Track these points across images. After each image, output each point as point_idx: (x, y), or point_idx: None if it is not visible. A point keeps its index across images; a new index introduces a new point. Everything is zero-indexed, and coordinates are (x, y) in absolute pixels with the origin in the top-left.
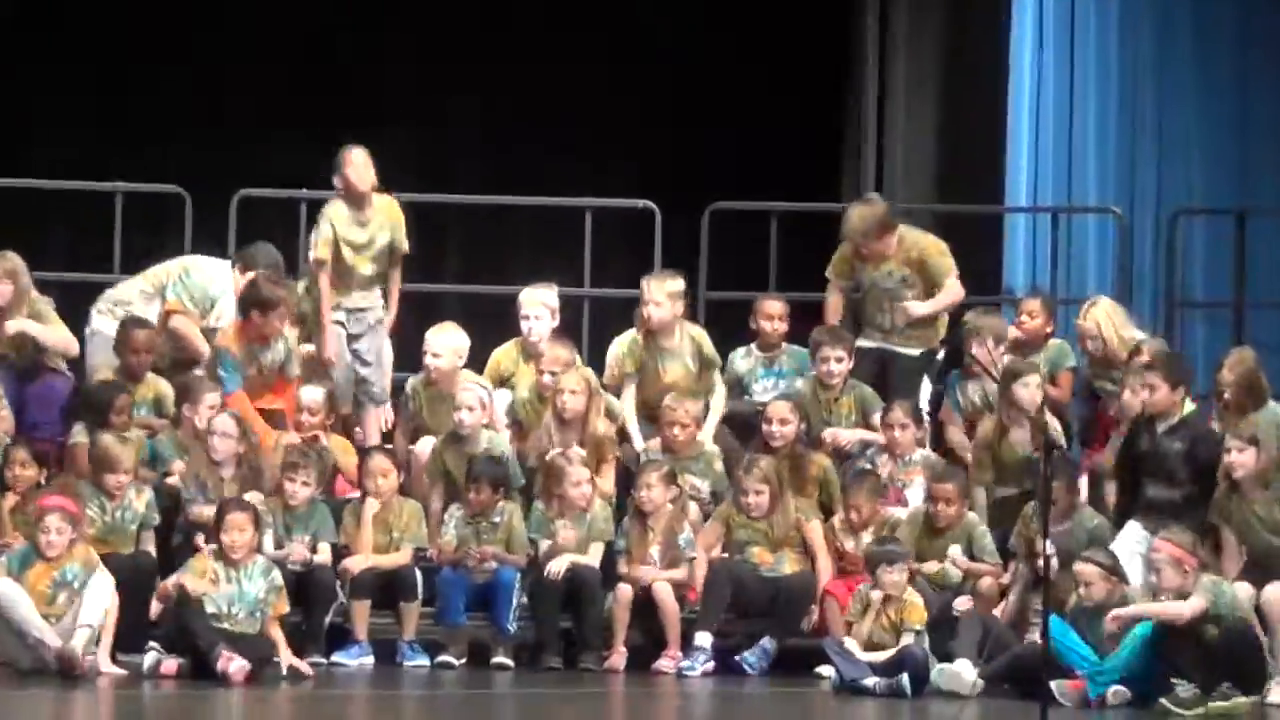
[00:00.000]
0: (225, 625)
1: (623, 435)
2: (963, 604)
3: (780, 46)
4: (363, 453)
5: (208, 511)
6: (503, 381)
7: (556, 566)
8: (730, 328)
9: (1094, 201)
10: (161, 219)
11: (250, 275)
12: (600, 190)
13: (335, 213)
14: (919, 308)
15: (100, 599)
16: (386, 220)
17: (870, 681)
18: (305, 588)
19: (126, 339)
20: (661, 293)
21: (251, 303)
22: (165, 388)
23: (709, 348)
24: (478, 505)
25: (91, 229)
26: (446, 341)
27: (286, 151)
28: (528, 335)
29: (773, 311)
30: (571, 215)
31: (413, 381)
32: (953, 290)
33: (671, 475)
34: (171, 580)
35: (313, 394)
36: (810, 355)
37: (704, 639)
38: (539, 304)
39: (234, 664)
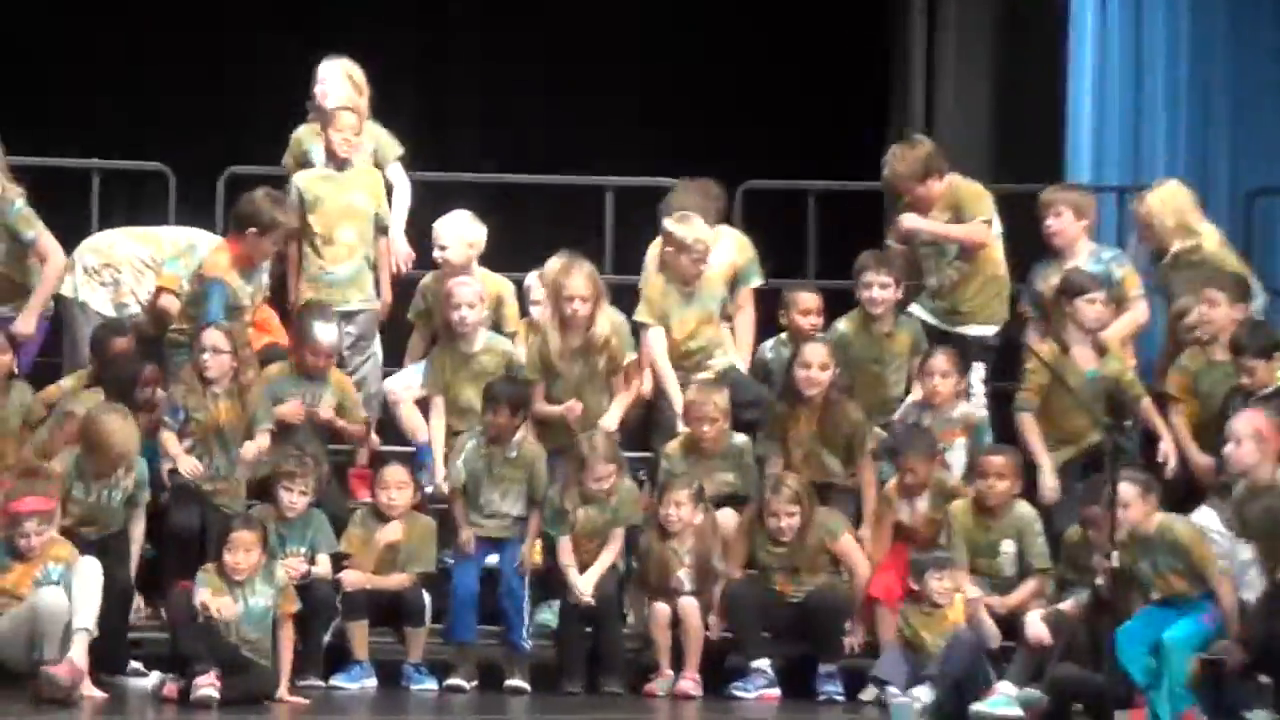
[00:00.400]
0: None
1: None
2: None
3: (821, 17)
4: (377, 460)
5: (176, 449)
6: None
7: (585, 586)
8: (761, 316)
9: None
10: (143, 198)
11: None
12: (623, 169)
13: None
14: (913, 220)
15: (91, 598)
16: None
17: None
18: (302, 604)
19: (105, 346)
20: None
21: (248, 219)
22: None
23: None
24: (495, 430)
25: (68, 208)
26: (455, 230)
27: (279, 128)
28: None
29: (808, 305)
30: (592, 194)
31: (426, 280)
32: (972, 229)
33: (701, 493)
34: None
35: (326, 332)
36: (854, 282)
37: (762, 663)
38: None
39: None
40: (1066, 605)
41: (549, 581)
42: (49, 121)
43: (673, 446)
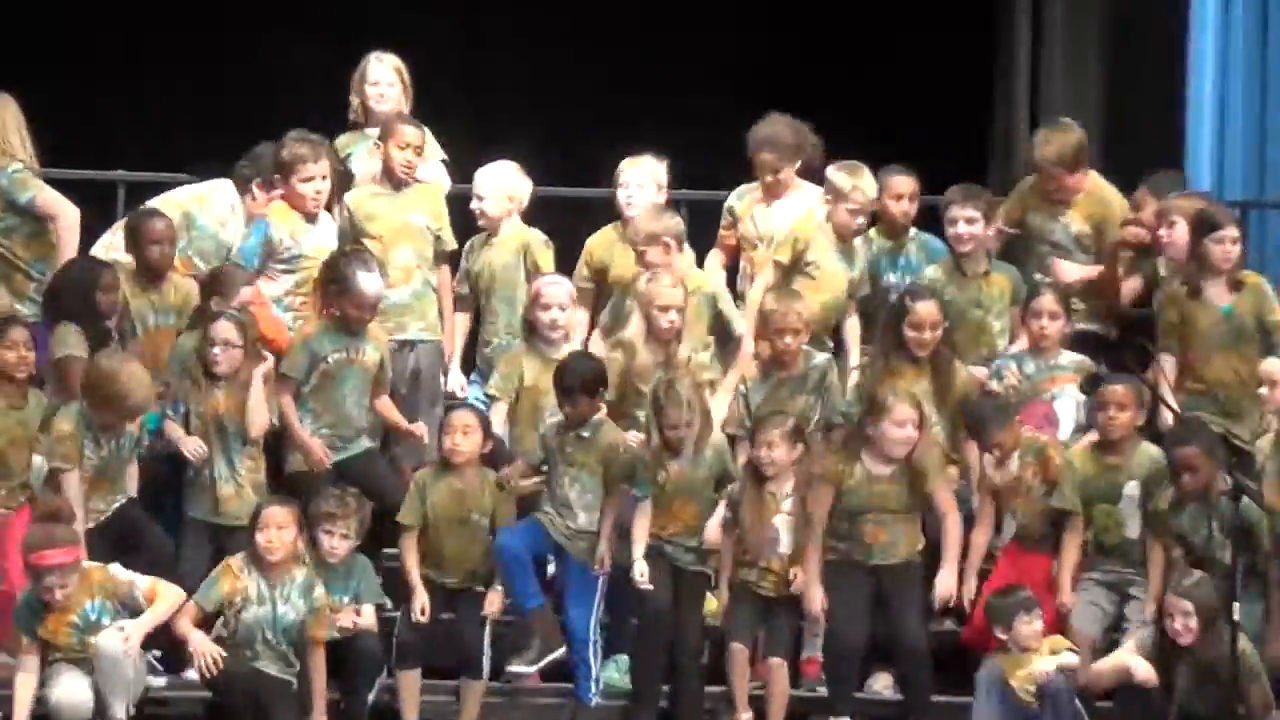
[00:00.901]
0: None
1: None
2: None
3: (922, 18)
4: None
5: (191, 445)
6: (601, 274)
7: (641, 569)
8: None
9: None
10: None
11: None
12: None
13: None
14: (1071, 270)
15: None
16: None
17: None
18: (344, 659)
19: (141, 230)
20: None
21: (279, 167)
22: (191, 287)
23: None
24: (575, 418)
25: (92, 223)
26: (495, 181)
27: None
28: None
29: (901, 189)
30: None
31: (475, 239)
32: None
33: (798, 432)
34: (199, 644)
35: (369, 281)
36: (942, 217)
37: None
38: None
39: None
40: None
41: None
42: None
43: (752, 370)
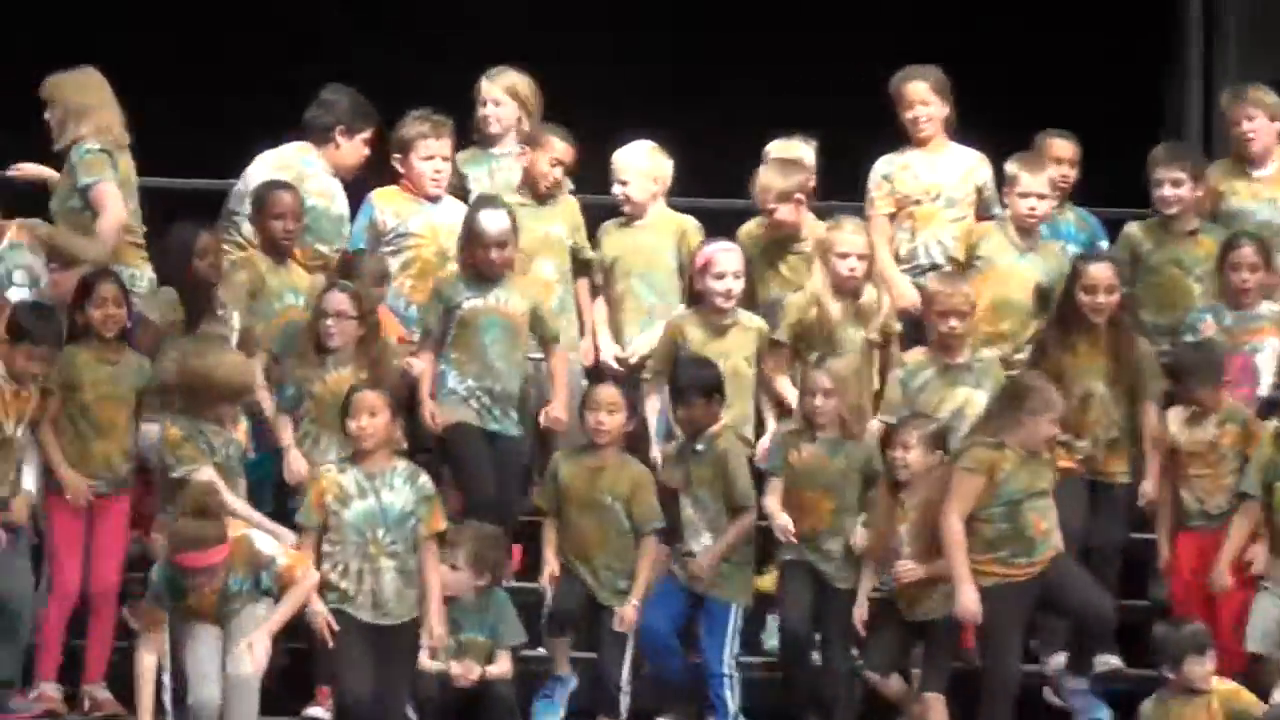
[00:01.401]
0: (361, 573)
1: None
2: None
3: (1092, 24)
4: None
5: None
6: None
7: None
8: None
9: None
10: None
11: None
12: None
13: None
14: None
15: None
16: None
17: None
18: (473, 710)
19: (266, 202)
20: None
21: (399, 145)
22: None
23: None
24: (690, 428)
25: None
26: (636, 163)
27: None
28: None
29: (1061, 153)
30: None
31: (605, 225)
32: None
33: (939, 438)
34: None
35: (494, 219)
36: (1148, 178)
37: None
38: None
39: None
40: None
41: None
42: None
43: (915, 355)
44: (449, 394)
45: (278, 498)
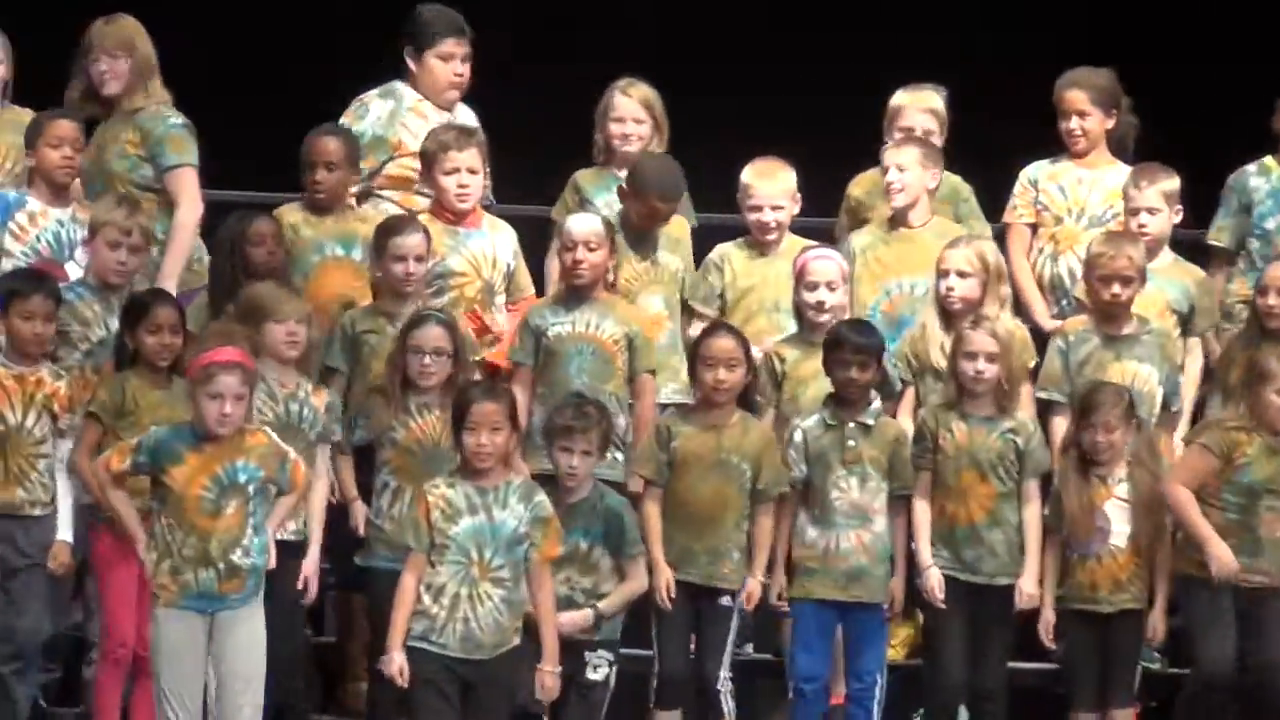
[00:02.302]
0: (461, 606)
1: None
2: None
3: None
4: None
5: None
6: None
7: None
8: None
9: None
10: None
11: None
12: None
13: None
14: None
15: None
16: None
17: None
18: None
19: (310, 149)
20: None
21: (423, 159)
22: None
23: None
24: (852, 390)
25: None
26: (784, 184)
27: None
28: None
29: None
30: None
31: (724, 249)
32: None
33: (1130, 409)
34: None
35: (581, 221)
36: None
37: None
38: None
39: None
40: None
41: None
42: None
43: (1075, 323)
44: (527, 440)
45: None
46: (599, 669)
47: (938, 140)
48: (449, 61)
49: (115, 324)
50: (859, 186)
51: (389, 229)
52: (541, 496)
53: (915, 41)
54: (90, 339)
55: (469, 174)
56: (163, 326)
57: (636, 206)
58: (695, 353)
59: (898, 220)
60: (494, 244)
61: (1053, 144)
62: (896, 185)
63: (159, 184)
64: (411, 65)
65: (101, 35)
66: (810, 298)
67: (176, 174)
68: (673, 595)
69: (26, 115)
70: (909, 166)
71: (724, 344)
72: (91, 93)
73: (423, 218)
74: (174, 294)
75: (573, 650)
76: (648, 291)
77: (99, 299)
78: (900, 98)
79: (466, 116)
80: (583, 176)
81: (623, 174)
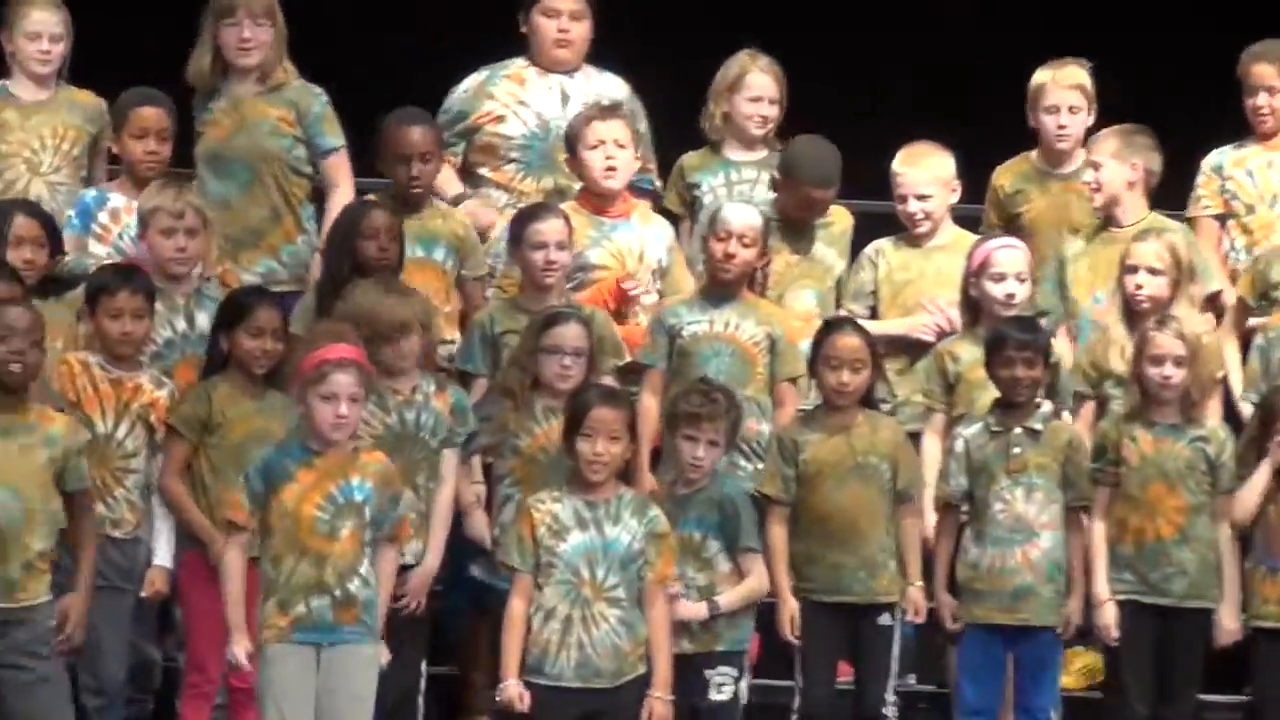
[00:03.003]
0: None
1: None
2: None
3: None
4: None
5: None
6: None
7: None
8: None
9: None
10: None
11: None
12: None
13: None
14: None
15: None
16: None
17: None
18: None
19: (390, 140)
20: None
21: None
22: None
23: None
24: (1017, 388)
25: None
26: (938, 170)
27: None
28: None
29: None
30: None
31: (879, 243)
32: None
33: None
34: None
35: (740, 213)
36: None
37: None
38: None
39: None
40: None
41: None
42: None
43: (1277, 319)
44: None
45: None
46: (723, 688)
47: (1086, 119)
48: (552, 18)
49: (182, 323)
50: (1005, 175)
51: (527, 215)
52: (656, 511)
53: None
54: (156, 341)
55: (616, 147)
56: (265, 330)
57: (790, 196)
58: (818, 352)
59: (1107, 220)
60: (642, 238)
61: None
62: (1093, 185)
63: (309, 167)
64: (523, 27)
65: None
66: (997, 290)
67: (336, 157)
68: (797, 631)
69: (84, 95)
70: (1104, 162)
71: (849, 342)
72: (221, 62)
73: (566, 207)
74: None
75: (690, 671)
76: (798, 285)
77: (161, 296)
78: (1042, 75)
79: (605, 87)
80: (689, 161)
81: (736, 157)
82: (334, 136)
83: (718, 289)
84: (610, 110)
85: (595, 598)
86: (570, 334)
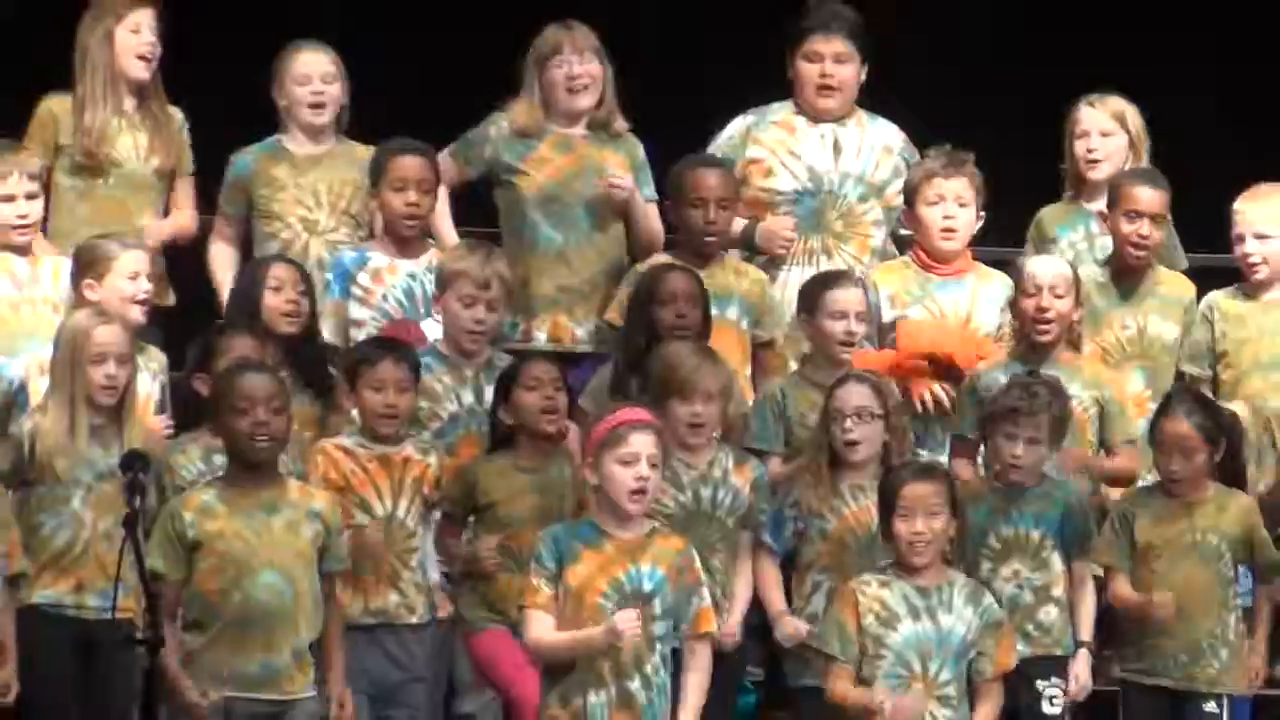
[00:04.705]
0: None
1: None
2: None
3: None
4: None
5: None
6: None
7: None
8: None
9: None
10: None
11: None
12: None
13: None
14: None
15: None
16: None
17: None
18: None
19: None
20: None
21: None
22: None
23: None
24: None
25: None
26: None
27: None
28: None
29: None
30: None
31: (1214, 295)
32: None
33: None
34: None
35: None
36: None
37: None
38: None
39: None
40: None
41: None
42: None
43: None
44: None
45: None
46: (1055, 701)
47: (1138, 158)
48: (815, 62)
49: (469, 397)
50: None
51: (824, 281)
52: (989, 599)
53: None
54: (440, 415)
55: (957, 205)
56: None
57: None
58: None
59: None
60: (974, 296)
61: None
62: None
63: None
64: (790, 72)
65: (570, 37)
66: None
67: (656, 208)
68: None
69: (362, 150)
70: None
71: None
72: (546, 105)
73: (898, 261)
74: None
75: (1021, 679)
76: (1127, 364)
77: (449, 369)
78: (1082, 110)
79: (881, 135)
80: (1047, 214)
81: (1092, 206)
82: (652, 188)
83: (1036, 350)
84: (955, 164)
85: (928, 693)
86: (853, 394)
